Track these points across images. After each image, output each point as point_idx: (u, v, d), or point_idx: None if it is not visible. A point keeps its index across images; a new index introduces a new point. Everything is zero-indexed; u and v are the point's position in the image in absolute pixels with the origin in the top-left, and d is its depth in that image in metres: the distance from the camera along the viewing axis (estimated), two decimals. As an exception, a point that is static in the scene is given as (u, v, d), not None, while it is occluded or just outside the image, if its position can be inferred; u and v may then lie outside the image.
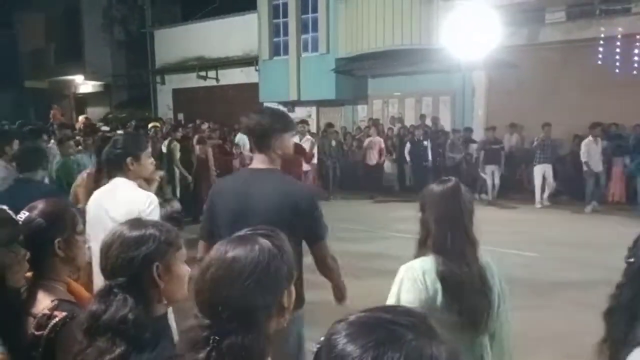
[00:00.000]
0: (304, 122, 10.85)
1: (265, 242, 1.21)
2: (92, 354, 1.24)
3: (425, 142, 11.06)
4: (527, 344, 3.40)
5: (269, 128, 2.29)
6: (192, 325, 1.18)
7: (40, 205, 1.69)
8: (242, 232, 1.27)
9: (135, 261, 1.32)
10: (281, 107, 15.29)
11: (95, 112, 19.65)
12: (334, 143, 11.84)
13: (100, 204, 2.66)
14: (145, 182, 3.60)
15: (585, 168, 9.29)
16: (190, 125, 12.65)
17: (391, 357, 0.67)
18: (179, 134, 9.62)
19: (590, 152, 9.29)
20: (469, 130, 11.24)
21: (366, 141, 11.48)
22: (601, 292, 1.51)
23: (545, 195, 9.95)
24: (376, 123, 12.47)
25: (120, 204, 2.56)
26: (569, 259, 6.35)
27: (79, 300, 1.63)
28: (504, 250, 6.41)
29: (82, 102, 21.41)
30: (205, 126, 12.21)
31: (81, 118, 13.17)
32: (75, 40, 19.94)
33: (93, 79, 20.48)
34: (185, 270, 1.44)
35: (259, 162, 2.34)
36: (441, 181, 1.87)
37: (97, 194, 2.74)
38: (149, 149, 2.85)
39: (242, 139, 10.17)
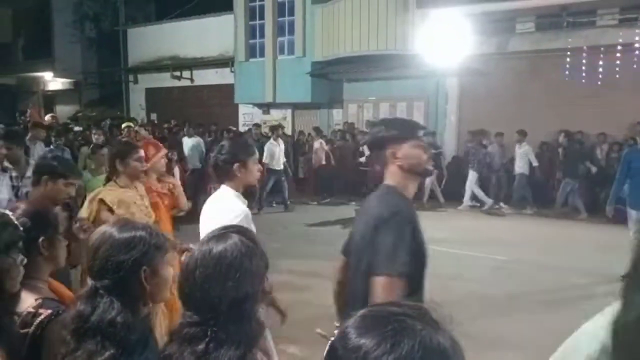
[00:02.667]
0: (276, 127, 10.95)
1: (239, 237, 1.30)
2: (81, 357, 1.25)
3: None
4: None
5: (383, 137, 2.02)
6: (181, 323, 1.24)
7: (23, 205, 1.70)
8: (214, 232, 1.35)
9: (124, 264, 1.33)
10: (256, 109, 15.33)
11: (64, 110, 19.17)
12: (283, 146, 10.98)
13: (205, 214, 2.55)
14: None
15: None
16: (165, 125, 12.49)
17: (408, 344, 0.72)
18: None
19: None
20: (431, 134, 11.34)
21: (315, 145, 11.66)
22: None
23: (466, 197, 10.44)
24: (351, 127, 12.60)
25: (213, 217, 2.45)
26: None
27: (60, 299, 1.64)
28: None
29: (51, 99, 20.85)
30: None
31: (47, 117, 12.80)
32: (44, 36, 19.40)
33: (63, 76, 19.97)
34: (170, 273, 1.47)
35: (386, 177, 2.04)
36: None
37: (207, 203, 2.61)
38: (257, 155, 2.72)
39: (269, 149, 10.02)
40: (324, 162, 11.44)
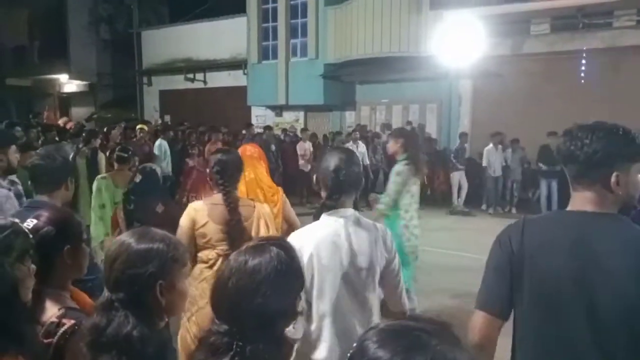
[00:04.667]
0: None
1: (278, 251, 1.27)
2: (97, 370, 1.26)
3: None
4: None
5: (610, 154, 1.55)
6: (210, 330, 1.23)
7: (46, 213, 1.69)
8: (253, 242, 1.33)
9: (140, 278, 1.32)
10: (269, 111, 15.36)
11: (79, 112, 19.40)
12: (273, 147, 10.88)
13: (335, 245, 1.97)
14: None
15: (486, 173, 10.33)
16: (180, 127, 12.48)
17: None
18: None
19: (490, 158, 10.28)
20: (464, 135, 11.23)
21: (298, 147, 11.29)
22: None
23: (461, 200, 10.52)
24: (363, 130, 12.55)
25: (359, 248, 1.98)
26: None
27: (83, 309, 1.65)
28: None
29: (66, 101, 21.10)
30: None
31: (61, 121, 12.86)
32: (60, 38, 19.64)
33: (78, 79, 20.18)
34: (187, 286, 1.46)
35: (588, 202, 1.58)
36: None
37: (321, 232, 2.01)
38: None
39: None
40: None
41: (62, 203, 2.43)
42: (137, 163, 4.55)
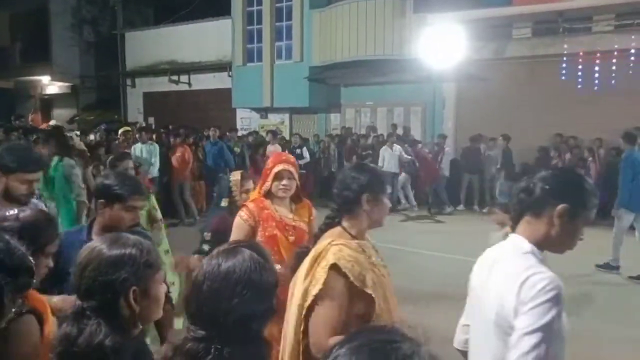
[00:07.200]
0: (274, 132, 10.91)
1: (251, 253, 1.27)
2: (70, 381, 1.22)
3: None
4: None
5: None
6: (186, 337, 1.22)
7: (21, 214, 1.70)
8: (224, 246, 1.32)
9: (111, 285, 1.27)
10: (254, 113, 15.32)
11: (62, 114, 19.13)
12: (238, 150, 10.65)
13: (486, 274, 1.63)
14: None
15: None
16: (162, 130, 12.36)
17: None
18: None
19: (386, 157, 10.52)
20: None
21: (268, 150, 10.57)
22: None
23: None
24: (348, 132, 12.57)
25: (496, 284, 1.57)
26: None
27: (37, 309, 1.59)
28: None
29: (49, 103, 20.81)
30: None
31: (44, 124, 12.66)
32: (42, 39, 19.35)
33: (60, 80, 19.92)
34: (162, 291, 1.41)
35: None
36: None
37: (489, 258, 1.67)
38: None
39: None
40: None
41: None
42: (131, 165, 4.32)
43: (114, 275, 1.28)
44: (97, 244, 1.36)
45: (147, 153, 8.84)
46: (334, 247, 1.78)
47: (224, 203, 3.41)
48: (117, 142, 9.40)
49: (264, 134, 13.17)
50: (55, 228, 1.89)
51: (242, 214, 2.80)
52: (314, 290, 1.74)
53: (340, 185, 1.92)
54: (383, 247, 2.03)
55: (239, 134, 12.24)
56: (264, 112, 15.13)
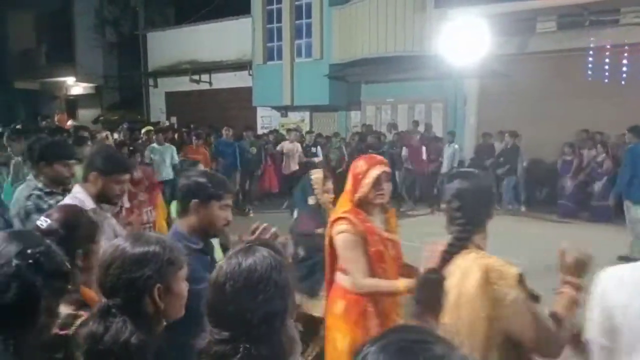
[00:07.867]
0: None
1: (268, 250, 1.28)
2: (96, 378, 1.23)
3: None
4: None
5: None
6: (209, 341, 1.23)
7: (56, 213, 1.70)
8: (240, 246, 1.31)
9: (136, 283, 1.30)
10: (274, 112, 15.37)
11: (86, 114, 19.52)
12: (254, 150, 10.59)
13: None
14: None
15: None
16: (184, 129, 12.48)
17: None
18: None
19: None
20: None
21: (284, 147, 10.56)
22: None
23: None
24: (369, 129, 12.49)
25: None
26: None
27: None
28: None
29: (73, 104, 21.24)
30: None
31: (69, 123, 12.90)
32: (66, 41, 19.76)
33: (84, 81, 20.31)
34: (185, 289, 1.43)
35: None
36: None
37: None
38: None
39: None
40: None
41: None
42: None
43: (137, 273, 1.31)
44: (120, 242, 1.38)
45: (159, 155, 8.61)
46: (499, 261, 1.65)
47: (312, 201, 3.38)
48: (140, 141, 9.54)
49: (284, 132, 13.20)
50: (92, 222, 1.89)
51: (348, 227, 2.40)
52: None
53: (473, 198, 1.75)
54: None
55: (259, 132, 12.25)
56: (284, 110, 15.16)
